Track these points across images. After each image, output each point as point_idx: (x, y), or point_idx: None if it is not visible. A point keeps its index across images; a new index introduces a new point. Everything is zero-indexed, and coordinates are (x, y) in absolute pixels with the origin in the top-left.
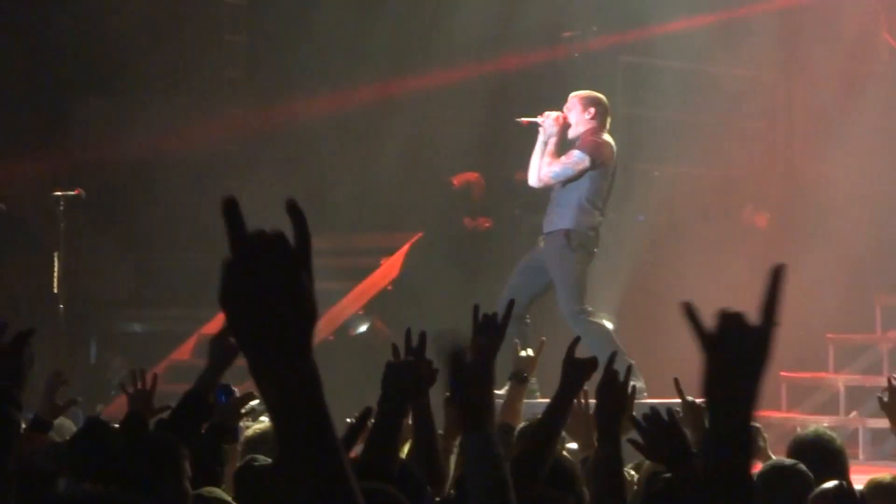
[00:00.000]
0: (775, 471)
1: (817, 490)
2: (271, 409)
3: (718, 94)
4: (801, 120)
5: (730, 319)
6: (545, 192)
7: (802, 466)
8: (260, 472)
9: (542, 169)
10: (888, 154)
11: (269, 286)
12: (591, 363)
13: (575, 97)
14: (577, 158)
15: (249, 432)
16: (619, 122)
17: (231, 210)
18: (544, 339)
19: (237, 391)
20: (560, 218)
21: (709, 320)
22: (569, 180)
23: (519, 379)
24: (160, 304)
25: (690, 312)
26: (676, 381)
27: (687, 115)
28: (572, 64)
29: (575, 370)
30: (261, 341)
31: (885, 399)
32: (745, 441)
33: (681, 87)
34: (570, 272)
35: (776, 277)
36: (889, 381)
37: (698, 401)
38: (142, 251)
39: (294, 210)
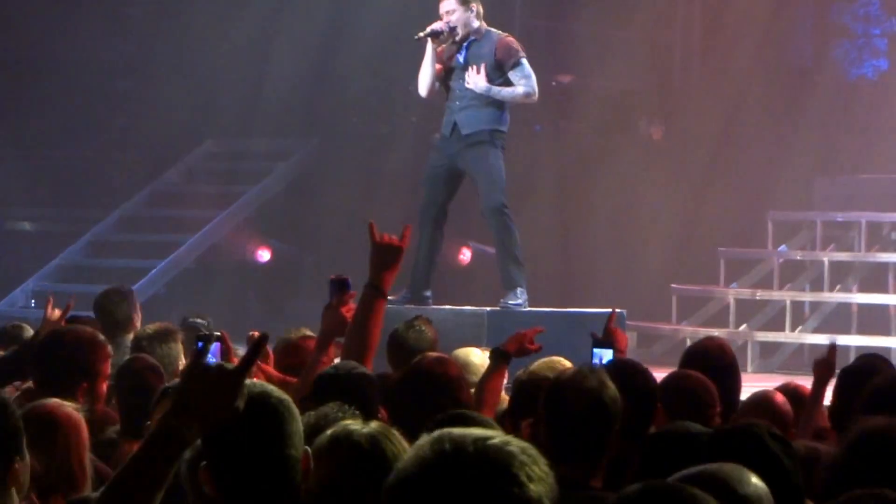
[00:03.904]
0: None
1: None
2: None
3: (616, 7)
4: (699, 33)
5: None
6: (442, 98)
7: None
8: None
9: (521, 92)
10: (783, 66)
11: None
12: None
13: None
14: (527, 65)
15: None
16: (520, 34)
17: (203, 344)
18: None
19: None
20: (488, 119)
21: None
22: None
23: (501, 356)
24: (51, 203)
25: None
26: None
27: (586, 26)
28: None
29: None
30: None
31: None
32: None
33: None
34: (496, 169)
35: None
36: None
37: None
38: (33, 150)
39: (256, 345)
